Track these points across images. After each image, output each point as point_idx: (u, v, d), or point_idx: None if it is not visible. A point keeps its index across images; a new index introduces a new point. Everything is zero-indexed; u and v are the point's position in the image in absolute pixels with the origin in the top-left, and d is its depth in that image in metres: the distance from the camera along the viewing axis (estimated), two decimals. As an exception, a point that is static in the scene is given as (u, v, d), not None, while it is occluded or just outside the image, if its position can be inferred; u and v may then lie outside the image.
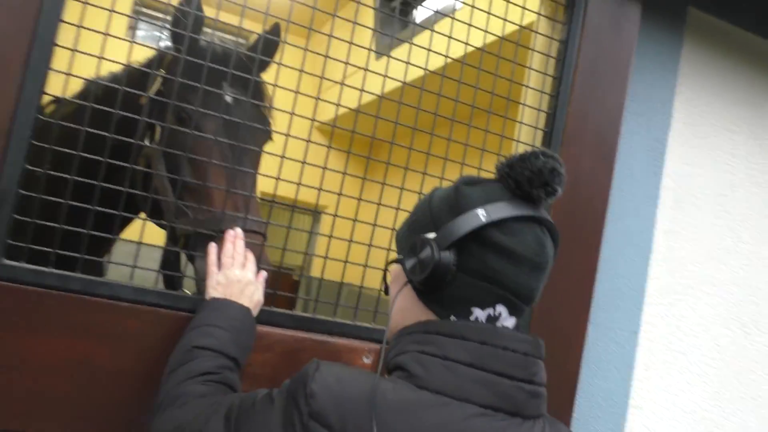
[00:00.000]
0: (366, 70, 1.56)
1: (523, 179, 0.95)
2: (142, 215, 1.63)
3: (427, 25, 1.65)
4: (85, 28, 1.37)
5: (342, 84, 1.56)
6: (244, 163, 1.56)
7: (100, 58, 1.40)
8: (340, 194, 1.57)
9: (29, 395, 1.32)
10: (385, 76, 1.58)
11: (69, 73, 1.38)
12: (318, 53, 1.55)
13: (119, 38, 1.37)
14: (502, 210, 0.93)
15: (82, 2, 1.36)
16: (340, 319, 1.61)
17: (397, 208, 1.61)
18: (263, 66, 1.77)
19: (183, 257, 1.61)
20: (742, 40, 2.12)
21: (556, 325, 1.75)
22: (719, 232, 2.10)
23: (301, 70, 1.51)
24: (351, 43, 1.57)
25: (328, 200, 1.55)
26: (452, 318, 0.95)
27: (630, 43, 1.83)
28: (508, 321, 0.96)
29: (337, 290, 1.64)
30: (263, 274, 1.43)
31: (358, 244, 1.60)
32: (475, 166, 1.68)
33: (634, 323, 1.96)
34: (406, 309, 1.02)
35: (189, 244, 1.50)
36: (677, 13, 2.00)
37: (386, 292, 1.12)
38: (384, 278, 1.13)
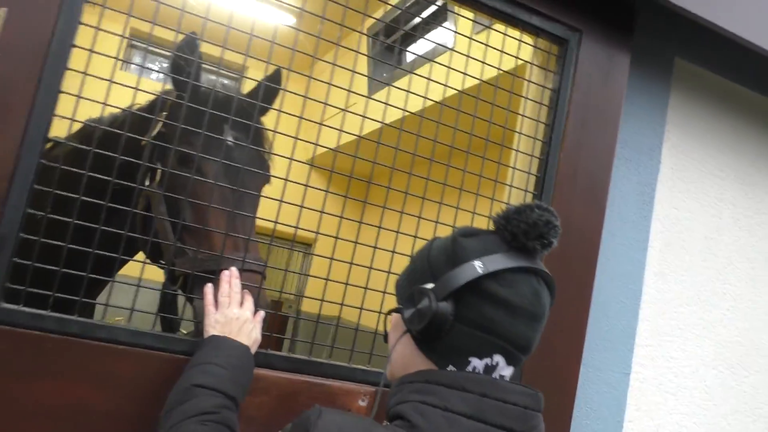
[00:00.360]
0: (344, 110, 1.59)
1: (519, 231, 0.98)
2: (140, 256, 1.64)
3: (417, 64, 1.69)
4: (91, 75, 1.39)
5: (321, 124, 1.58)
6: (244, 205, 1.58)
7: (104, 104, 1.43)
8: (336, 237, 1.60)
9: (23, 441, 1.31)
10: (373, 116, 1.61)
11: (73, 119, 1.40)
12: (297, 93, 1.58)
13: (125, 85, 1.39)
14: (499, 262, 0.96)
15: (88, 51, 1.39)
16: (336, 361, 1.61)
17: (393, 251, 1.64)
18: (264, 111, 1.80)
19: (180, 299, 1.62)
20: (727, 90, 2.20)
21: (550, 367, 1.77)
22: (707, 275, 2.14)
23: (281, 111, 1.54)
24: (332, 85, 1.60)
25: (321, 237, 1.58)
26: (450, 367, 0.97)
27: (619, 91, 1.88)
28: (506, 370, 0.98)
29: (333, 330, 1.65)
30: (261, 313, 1.44)
31: (353, 285, 1.61)
32: (469, 210, 1.71)
33: (626, 365, 1.98)
34: (405, 356, 1.03)
35: (188, 284, 1.52)
36: (665, 63, 2.07)
37: (386, 339, 1.14)
38: (384, 326, 1.15)
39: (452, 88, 1.66)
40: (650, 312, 2.04)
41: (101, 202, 1.40)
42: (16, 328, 1.32)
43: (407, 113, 1.63)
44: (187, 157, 1.55)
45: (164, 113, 1.66)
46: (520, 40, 1.80)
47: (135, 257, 1.79)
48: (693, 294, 2.12)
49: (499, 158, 1.78)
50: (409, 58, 4.36)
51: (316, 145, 1.57)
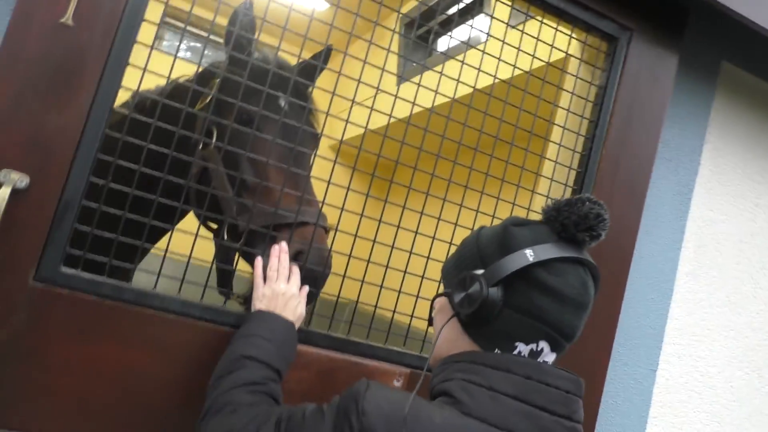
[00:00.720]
0: (382, 91, 1.61)
1: (569, 223, 1.01)
2: (189, 226, 1.67)
3: (453, 54, 1.71)
4: (158, 50, 1.43)
5: (363, 105, 1.60)
6: (302, 164, 1.62)
7: (168, 77, 1.46)
8: (362, 215, 1.63)
9: (79, 401, 1.37)
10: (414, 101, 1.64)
11: (138, 91, 1.43)
12: (345, 75, 1.60)
13: (188, 60, 1.43)
14: (549, 251, 0.99)
15: (156, 24, 1.42)
16: (373, 342, 1.65)
17: (416, 232, 1.67)
18: (311, 79, 1.82)
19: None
20: (770, 94, 2.20)
21: (580, 359, 1.80)
22: (739, 277, 2.16)
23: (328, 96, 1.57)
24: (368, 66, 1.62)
25: (348, 224, 1.61)
26: (497, 351, 1.00)
27: (665, 92, 1.89)
28: (549, 356, 1.02)
29: (371, 315, 1.69)
30: (306, 288, 1.47)
31: (393, 269, 1.64)
32: (509, 201, 1.74)
33: (653, 361, 2.01)
34: (450, 340, 1.07)
35: (249, 240, 1.53)
36: (711, 66, 2.07)
37: (430, 323, 1.17)
38: (430, 310, 1.18)
39: (495, 77, 1.68)
40: (680, 311, 2.06)
41: (166, 152, 1.43)
42: (75, 292, 1.37)
43: (447, 98, 1.65)
44: (247, 118, 1.57)
45: (217, 80, 1.69)
46: (570, 35, 1.81)
47: (179, 228, 1.82)
48: (723, 296, 2.13)
49: (541, 151, 1.80)
50: (447, 45, 4.35)
51: (349, 123, 1.59)
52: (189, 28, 1.46)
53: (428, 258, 1.67)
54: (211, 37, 1.54)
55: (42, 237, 1.34)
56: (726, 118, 2.11)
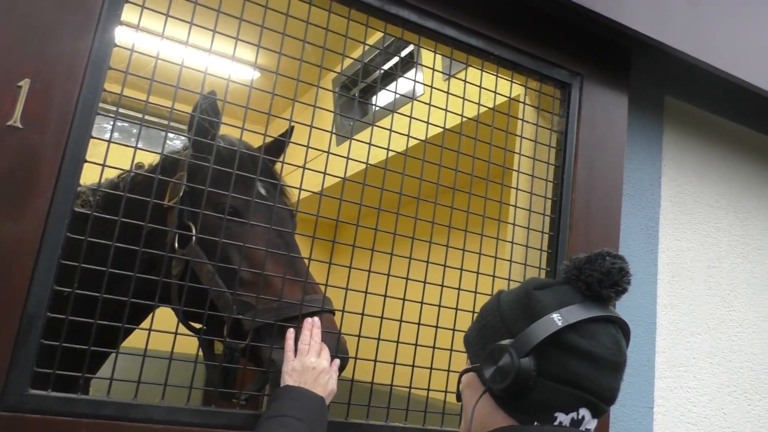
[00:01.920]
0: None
1: (593, 281, 0.97)
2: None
3: (393, 108, 1.70)
4: (115, 143, 1.35)
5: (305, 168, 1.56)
6: (294, 248, 1.56)
7: (131, 171, 1.38)
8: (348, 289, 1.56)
9: None
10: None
11: (98, 188, 1.34)
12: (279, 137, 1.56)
13: (150, 151, 1.35)
14: (576, 313, 0.95)
15: (113, 117, 1.35)
16: (374, 420, 1.56)
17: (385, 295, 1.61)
18: (273, 163, 1.78)
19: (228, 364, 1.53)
20: (714, 124, 2.30)
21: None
22: (712, 302, 2.19)
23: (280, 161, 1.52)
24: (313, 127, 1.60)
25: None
26: (536, 424, 0.94)
27: (621, 131, 1.94)
28: (591, 423, 0.96)
29: (389, 393, 1.60)
30: (336, 362, 1.42)
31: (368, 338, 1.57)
32: (490, 255, 1.71)
33: (648, 398, 1.99)
34: (484, 415, 1.00)
35: (262, 336, 1.44)
36: (656, 102, 2.16)
37: (458, 398, 1.11)
38: (457, 385, 1.11)
39: (444, 127, 1.67)
40: (665, 343, 2.06)
41: (129, 273, 1.34)
42: (47, 416, 1.23)
43: (398, 152, 1.62)
44: (232, 209, 1.51)
45: (181, 174, 1.61)
46: (525, 85, 1.84)
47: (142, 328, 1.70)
48: (702, 322, 2.16)
49: (502, 197, 1.79)
50: (389, 99, 4.40)
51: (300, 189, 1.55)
52: (123, 112, 1.38)
53: (418, 323, 1.61)
54: (156, 123, 1.48)
55: (5, 360, 1.21)
56: (677, 150, 2.18)
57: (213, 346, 1.59)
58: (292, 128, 1.74)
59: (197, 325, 1.58)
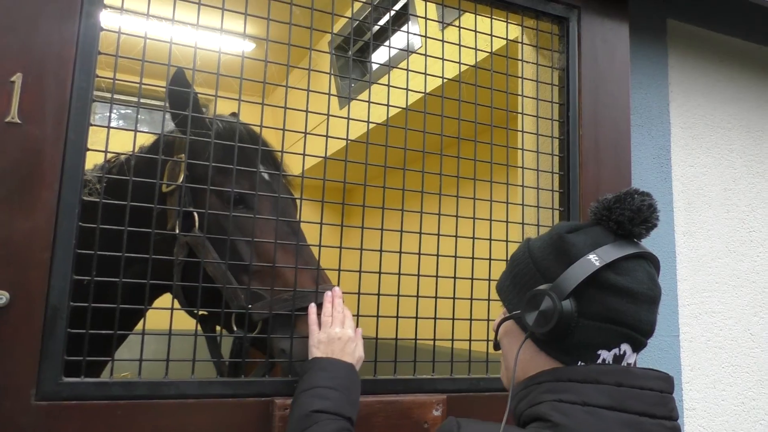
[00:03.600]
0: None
1: (624, 219, 0.98)
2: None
3: (392, 64, 1.66)
4: (114, 128, 1.35)
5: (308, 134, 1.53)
6: (300, 235, 1.55)
7: (132, 154, 1.38)
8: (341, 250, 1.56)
9: None
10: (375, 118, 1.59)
11: (103, 176, 1.35)
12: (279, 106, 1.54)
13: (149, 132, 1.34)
14: (612, 252, 0.95)
15: (109, 102, 1.34)
16: (401, 375, 1.58)
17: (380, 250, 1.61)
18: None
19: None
20: (720, 43, 2.24)
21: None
22: (731, 225, 2.17)
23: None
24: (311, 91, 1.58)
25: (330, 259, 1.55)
26: (579, 363, 0.95)
27: (624, 60, 1.90)
28: (632, 357, 0.97)
29: (394, 345, 1.62)
30: (360, 330, 1.44)
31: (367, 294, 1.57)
32: (498, 200, 1.70)
33: (674, 327, 1.99)
34: (525, 360, 1.01)
35: (270, 326, 1.45)
36: (658, 26, 2.10)
37: (496, 347, 1.11)
38: (495, 335, 1.12)
39: (442, 77, 1.64)
40: (686, 271, 2.05)
41: (146, 257, 1.35)
42: (83, 402, 1.27)
43: (400, 108, 1.59)
44: (238, 197, 1.50)
45: (180, 155, 1.60)
46: (521, 24, 1.80)
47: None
48: (722, 246, 2.14)
49: (508, 142, 1.77)
50: (385, 56, 4.34)
51: (305, 155, 1.53)
52: (120, 97, 1.36)
53: (434, 275, 1.61)
54: (149, 101, 1.46)
55: (35, 351, 1.24)
56: (683, 74, 2.13)
57: (215, 338, 1.57)
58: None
59: (202, 312, 1.57)
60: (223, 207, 1.48)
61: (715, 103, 2.19)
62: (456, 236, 1.63)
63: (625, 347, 0.95)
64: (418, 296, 1.59)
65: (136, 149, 1.81)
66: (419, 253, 1.59)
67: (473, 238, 1.66)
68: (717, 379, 2.06)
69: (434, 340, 1.63)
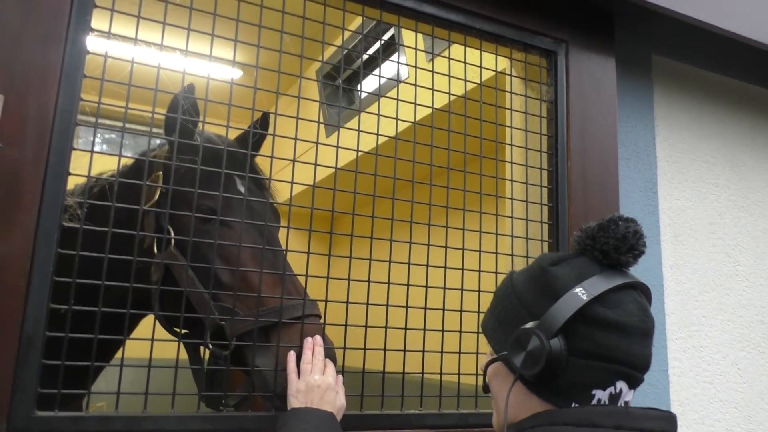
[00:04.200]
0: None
1: (609, 248, 0.93)
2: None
3: (381, 92, 1.66)
4: (98, 153, 1.31)
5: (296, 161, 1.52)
6: (277, 252, 1.52)
7: (115, 180, 1.34)
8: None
9: None
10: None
11: (85, 201, 1.31)
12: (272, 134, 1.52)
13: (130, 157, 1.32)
14: (599, 284, 0.90)
15: (93, 126, 1.31)
16: (388, 410, 1.54)
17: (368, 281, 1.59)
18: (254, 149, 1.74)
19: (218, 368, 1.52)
20: (703, 79, 2.27)
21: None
22: (717, 259, 2.17)
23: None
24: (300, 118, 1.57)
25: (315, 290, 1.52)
26: (573, 404, 0.90)
27: (611, 94, 1.91)
28: (629, 395, 0.92)
29: (401, 380, 1.57)
30: (340, 377, 1.40)
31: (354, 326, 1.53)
32: (491, 232, 1.69)
33: (663, 361, 1.97)
34: (517, 404, 0.95)
35: (246, 341, 1.41)
36: (643, 61, 2.13)
37: (486, 390, 1.07)
38: (484, 377, 1.07)
39: (432, 107, 1.64)
40: (674, 305, 2.05)
41: (125, 284, 1.31)
42: (56, 437, 1.21)
43: (388, 137, 1.58)
44: (208, 210, 1.47)
45: (157, 174, 1.57)
46: (510, 57, 1.81)
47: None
48: (709, 280, 2.14)
49: (497, 173, 1.76)
50: (375, 85, 4.36)
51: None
52: (105, 122, 1.34)
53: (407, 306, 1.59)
54: (134, 126, 1.44)
55: (7, 384, 1.18)
56: (668, 109, 2.15)
57: (199, 351, 1.54)
58: (266, 115, 1.69)
59: (184, 331, 1.54)
60: (196, 225, 1.45)
61: (699, 138, 2.21)
62: (445, 267, 1.61)
63: (621, 385, 0.89)
64: (406, 328, 1.55)
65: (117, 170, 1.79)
66: (407, 284, 1.56)
67: (462, 269, 1.63)
68: (706, 415, 2.04)
69: (422, 373, 1.59)
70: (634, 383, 0.91)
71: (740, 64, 2.31)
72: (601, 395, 0.89)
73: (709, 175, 2.21)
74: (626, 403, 0.91)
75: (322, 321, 1.48)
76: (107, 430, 1.25)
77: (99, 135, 1.30)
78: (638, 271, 1.93)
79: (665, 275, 2.04)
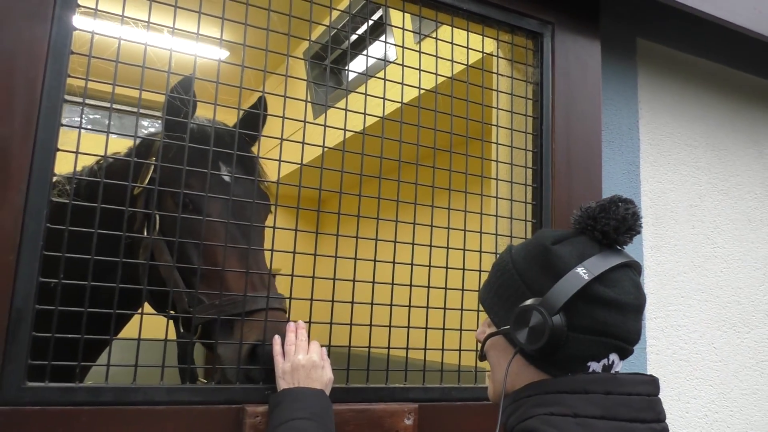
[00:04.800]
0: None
1: (609, 229, 0.98)
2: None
3: (369, 73, 1.67)
4: (86, 129, 1.32)
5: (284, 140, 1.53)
6: (253, 241, 1.54)
7: (105, 157, 1.35)
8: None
9: None
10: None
11: (75, 177, 1.32)
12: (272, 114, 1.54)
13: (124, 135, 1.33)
14: (599, 264, 0.95)
15: (80, 104, 1.32)
16: (374, 384, 1.58)
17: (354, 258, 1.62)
18: (252, 140, 1.77)
19: (197, 347, 1.56)
20: (686, 63, 2.30)
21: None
22: (697, 241, 2.22)
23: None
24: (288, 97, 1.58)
25: (281, 263, 1.55)
26: (569, 375, 0.95)
27: (596, 76, 1.94)
28: (619, 366, 0.99)
29: (367, 356, 1.61)
30: (325, 352, 1.44)
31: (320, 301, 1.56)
32: (476, 212, 1.71)
33: (641, 339, 2.02)
34: (514, 374, 1.01)
35: (209, 331, 1.46)
36: (628, 45, 2.15)
37: (482, 358, 1.11)
38: (482, 348, 1.11)
39: (419, 87, 1.66)
40: (654, 285, 2.09)
41: (112, 258, 1.33)
42: (47, 407, 1.23)
43: (377, 117, 1.61)
44: (187, 200, 1.50)
45: (153, 158, 1.59)
46: (496, 38, 1.83)
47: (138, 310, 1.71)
48: (688, 261, 2.19)
49: (483, 154, 1.79)
50: (363, 66, 4.35)
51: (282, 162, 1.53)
52: (91, 102, 1.36)
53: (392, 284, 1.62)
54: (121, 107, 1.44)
55: (-2, 355, 1.20)
56: (652, 92, 2.18)
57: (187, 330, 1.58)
58: (263, 99, 1.70)
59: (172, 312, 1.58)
60: (175, 210, 1.47)
61: (682, 121, 2.25)
62: (430, 246, 1.64)
63: (614, 357, 0.96)
64: (391, 305, 1.58)
65: (122, 153, 1.81)
66: (393, 262, 1.59)
67: (447, 247, 1.66)
68: (682, 392, 2.10)
69: (407, 349, 1.63)
70: (624, 354, 0.98)
71: (724, 49, 2.34)
72: (595, 366, 0.95)
73: (690, 158, 2.25)
74: (616, 372, 0.97)
75: (286, 315, 1.51)
76: (97, 401, 1.27)
77: (85, 116, 1.30)
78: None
79: (645, 255, 2.08)
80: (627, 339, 0.96)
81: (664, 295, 2.11)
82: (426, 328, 1.63)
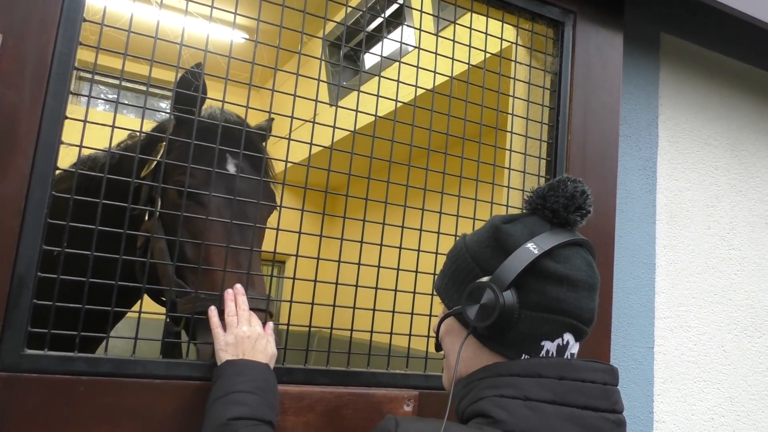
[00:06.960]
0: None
1: (558, 207, 0.98)
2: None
3: (386, 65, 1.65)
4: (95, 97, 1.31)
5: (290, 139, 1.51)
6: (247, 238, 1.49)
7: (112, 126, 1.34)
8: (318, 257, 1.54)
9: (67, 494, 1.22)
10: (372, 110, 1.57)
11: (81, 146, 1.31)
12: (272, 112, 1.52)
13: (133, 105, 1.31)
14: (549, 240, 0.95)
15: (90, 75, 1.31)
16: (375, 369, 1.56)
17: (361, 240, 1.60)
18: (263, 137, 1.75)
19: (184, 337, 1.55)
20: (711, 60, 2.25)
21: (583, 347, 1.76)
22: (712, 242, 2.18)
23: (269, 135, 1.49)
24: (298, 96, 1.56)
25: (287, 245, 1.52)
26: (524, 356, 0.94)
27: (617, 69, 1.90)
28: (575, 348, 0.97)
29: (369, 342, 1.60)
30: (270, 325, 1.37)
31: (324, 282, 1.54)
32: (486, 200, 1.69)
33: (649, 338, 1.99)
34: (468, 359, 1.00)
35: (190, 325, 1.40)
36: (651, 39, 2.10)
37: (438, 348, 1.10)
38: (437, 335, 1.10)
39: (435, 72, 1.63)
40: (665, 284, 2.06)
41: (119, 230, 1.32)
42: (45, 375, 1.23)
43: (401, 103, 1.59)
44: (184, 186, 1.48)
45: (162, 144, 1.58)
46: (516, 25, 1.79)
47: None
48: (702, 262, 2.15)
49: (496, 143, 1.76)
50: (379, 56, 4.31)
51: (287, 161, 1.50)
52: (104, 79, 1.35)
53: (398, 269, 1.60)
54: (134, 87, 1.43)
55: (-2, 321, 1.20)
56: (674, 88, 2.14)
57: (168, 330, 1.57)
58: (270, 122, 1.70)
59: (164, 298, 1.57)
60: (175, 200, 1.46)
61: (703, 120, 2.20)
62: (438, 233, 1.62)
63: (568, 337, 0.95)
64: (396, 291, 1.57)
65: (131, 140, 1.81)
66: (400, 247, 1.57)
67: (455, 235, 1.64)
68: (688, 393, 2.06)
69: (410, 336, 1.61)
70: (579, 335, 0.97)
71: (750, 46, 2.29)
72: (549, 346, 0.94)
73: (710, 157, 2.20)
74: (572, 354, 0.96)
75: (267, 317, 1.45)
76: (95, 371, 1.27)
77: (102, 96, 1.29)
78: (631, 249, 1.96)
79: (658, 254, 2.05)
80: (580, 317, 0.94)
81: (675, 294, 2.07)
82: (430, 315, 1.62)
